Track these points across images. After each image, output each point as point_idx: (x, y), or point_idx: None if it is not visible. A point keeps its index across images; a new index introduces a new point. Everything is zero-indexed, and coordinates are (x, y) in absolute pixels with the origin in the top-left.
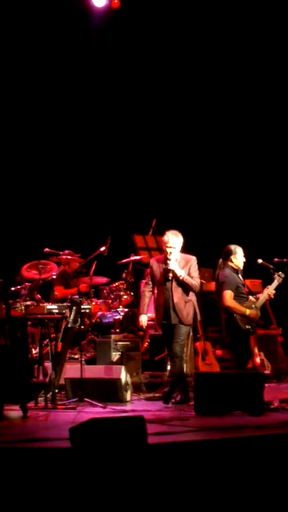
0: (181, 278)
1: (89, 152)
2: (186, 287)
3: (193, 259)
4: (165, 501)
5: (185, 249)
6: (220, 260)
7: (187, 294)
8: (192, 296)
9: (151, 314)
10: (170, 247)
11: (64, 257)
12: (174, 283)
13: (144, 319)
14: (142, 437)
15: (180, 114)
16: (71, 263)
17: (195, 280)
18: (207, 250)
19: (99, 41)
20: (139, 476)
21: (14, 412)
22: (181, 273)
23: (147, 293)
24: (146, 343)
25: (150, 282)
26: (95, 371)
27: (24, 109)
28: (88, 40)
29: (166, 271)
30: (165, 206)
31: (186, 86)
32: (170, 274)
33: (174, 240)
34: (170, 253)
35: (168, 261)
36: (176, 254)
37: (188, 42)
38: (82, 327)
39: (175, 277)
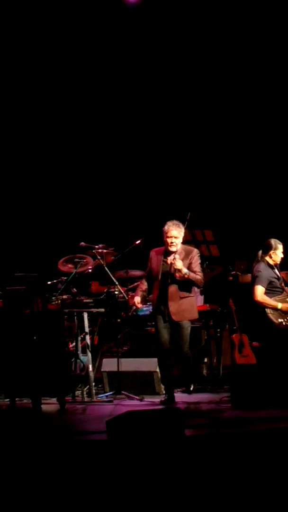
0: (186, 276)
1: (125, 145)
2: (186, 283)
3: (195, 252)
4: (202, 493)
5: (221, 241)
6: (260, 252)
7: (187, 290)
8: (193, 291)
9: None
10: (172, 236)
11: (99, 251)
12: (171, 278)
13: (137, 300)
14: (179, 429)
15: (217, 109)
16: (106, 257)
17: (198, 275)
18: (243, 242)
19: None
20: (176, 468)
21: (51, 405)
22: (186, 271)
23: (143, 283)
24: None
25: (147, 274)
26: (131, 364)
27: (62, 102)
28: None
29: (172, 270)
30: (201, 198)
31: (220, 78)
32: (177, 274)
33: (176, 230)
34: (172, 243)
35: (174, 260)
36: (178, 246)
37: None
38: (118, 320)
39: (180, 276)
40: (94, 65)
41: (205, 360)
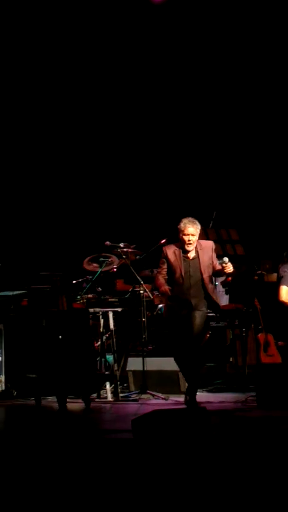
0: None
1: (151, 143)
2: (210, 279)
3: (213, 244)
4: (229, 492)
5: (246, 240)
6: (286, 253)
7: (210, 286)
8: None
9: None
10: (189, 234)
11: (124, 250)
12: (193, 272)
13: (168, 288)
14: (205, 428)
15: (244, 107)
16: (131, 255)
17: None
18: (269, 242)
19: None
20: (202, 467)
21: (77, 404)
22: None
23: (162, 278)
24: (208, 335)
25: (163, 270)
26: (156, 363)
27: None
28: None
29: (228, 274)
30: (227, 197)
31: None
32: (230, 278)
33: (193, 227)
34: (189, 241)
35: (227, 263)
36: (194, 244)
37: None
38: (144, 319)
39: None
40: (109, 65)
41: (231, 359)
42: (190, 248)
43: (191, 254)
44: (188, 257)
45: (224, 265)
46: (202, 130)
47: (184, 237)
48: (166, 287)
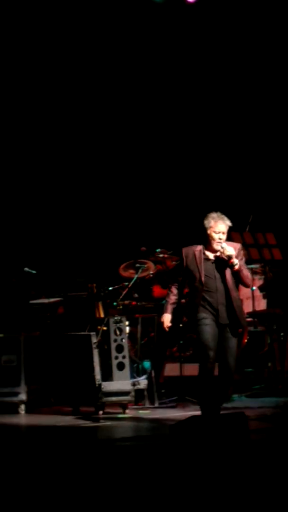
0: (236, 267)
1: (183, 150)
2: (234, 283)
3: (241, 246)
4: (268, 498)
5: (284, 244)
6: None
7: (235, 291)
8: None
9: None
10: (220, 232)
11: (160, 255)
12: (220, 276)
13: (167, 319)
14: (244, 433)
15: (278, 110)
16: (167, 261)
17: (247, 271)
18: None
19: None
20: (242, 473)
21: (114, 410)
22: (237, 262)
23: (173, 291)
24: (246, 340)
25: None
26: (194, 369)
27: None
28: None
29: (222, 259)
30: (263, 200)
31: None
32: (236, 267)
33: (224, 224)
34: (220, 239)
35: (221, 246)
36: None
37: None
38: (181, 325)
39: (229, 266)
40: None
41: (269, 364)
42: (219, 247)
43: (226, 252)
44: (210, 259)
45: (221, 249)
46: (238, 132)
47: (214, 234)
48: (164, 319)
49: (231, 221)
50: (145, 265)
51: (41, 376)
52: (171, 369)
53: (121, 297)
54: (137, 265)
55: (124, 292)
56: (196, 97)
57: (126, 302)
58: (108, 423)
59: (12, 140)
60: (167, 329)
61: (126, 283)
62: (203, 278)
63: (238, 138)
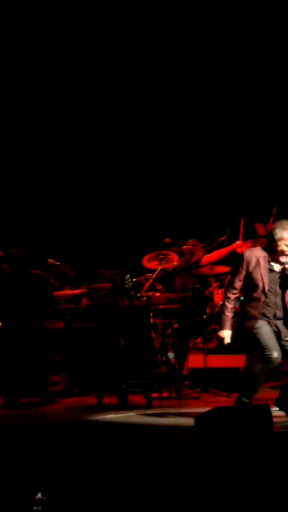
0: None
1: (209, 142)
2: None
3: None
4: None
5: None
6: None
7: None
8: None
9: None
10: None
11: (184, 247)
12: (282, 291)
13: (228, 335)
14: (267, 425)
15: None
16: (195, 252)
17: None
18: None
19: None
20: (265, 465)
21: (138, 401)
22: None
23: (232, 300)
24: None
25: (237, 284)
26: (218, 360)
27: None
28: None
29: (286, 275)
30: (287, 192)
31: None
32: None
33: None
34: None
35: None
36: None
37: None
38: (204, 316)
39: None
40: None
41: None
42: (283, 259)
43: (279, 266)
44: (275, 270)
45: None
46: (262, 122)
47: (285, 248)
48: (224, 334)
49: (256, 211)
50: (169, 256)
51: (64, 367)
52: (194, 361)
53: (144, 288)
54: (161, 256)
55: (147, 284)
56: (216, 86)
57: (150, 293)
58: (132, 414)
59: (35, 131)
60: (226, 344)
61: (150, 274)
62: (266, 288)
63: (263, 128)
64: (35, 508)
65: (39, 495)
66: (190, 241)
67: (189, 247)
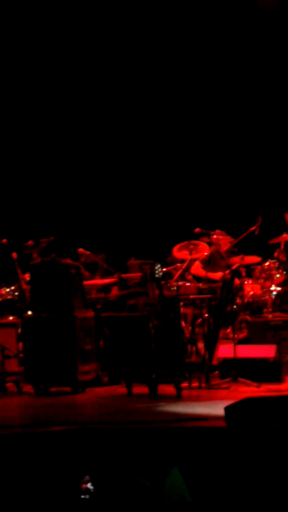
0: None
1: (237, 131)
2: None
3: None
4: None
5: None
6: None
7: None
8: None
9: None
10: None
11: (214, 237)
12: None
13: None
14: None
15: None
16: (222, 243)
17: None
18: None
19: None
20: None
21: (168, 391)
22: None
23: None
24: None
25: None
26: (248, 350)
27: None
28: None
29: None
30: None
31: None
32: None
33: None
34: None
35: None
36: None
37: None
38: (235, 306)
39: None
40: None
41: None
42: None
43: None
44: None
45: None
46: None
47: None
48: None
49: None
50: (199, 246)
51: (95, 356)
52: (224, 351)
53: (175, 278)
54: (191, 246)
55: (178, 273)
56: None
57: (180, 283)
58: (162, 403)
59: (62, 121)
60: None
61: (180, 264)
62: None
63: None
64: (82, 496)
65: (87, 484)
66: (217, 231)
67: (218, 237)
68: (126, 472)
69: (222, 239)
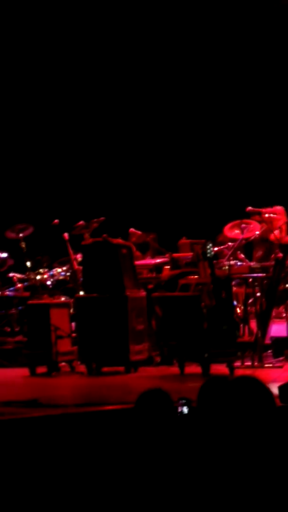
0: None
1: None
2: None
3: None
4: None
5: None
6: None
7: None
8: None
9: None
10: None
11: (266, 215)
12: None
13: None
14: None
15: None
16: (274, 221)
17: None
18: None
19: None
20: None
21: (221, 371)
22: None
23: None
24: None
25: None
26: None
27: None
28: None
29: None
30: None
31: None
32: None
33: None
34: None
35: None
36: None
37: None
38: (287, 285)
39: None
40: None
41: None
42: None
43: None
44: None
45: None
46: None
47: None
48: None
49: None
50: (250, 225)
51: (147, 336)
52: (277, 330)
53: (226, 257)
54: (243, 225)
55: (229, 253)
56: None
57: (232, 262)
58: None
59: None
60: None
61: (231, 244)
62: None
63: None
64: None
65: (182, 407)
66: (277, 208)
67: (270, 215)
68: (179, 449)
69: (275, 217)
